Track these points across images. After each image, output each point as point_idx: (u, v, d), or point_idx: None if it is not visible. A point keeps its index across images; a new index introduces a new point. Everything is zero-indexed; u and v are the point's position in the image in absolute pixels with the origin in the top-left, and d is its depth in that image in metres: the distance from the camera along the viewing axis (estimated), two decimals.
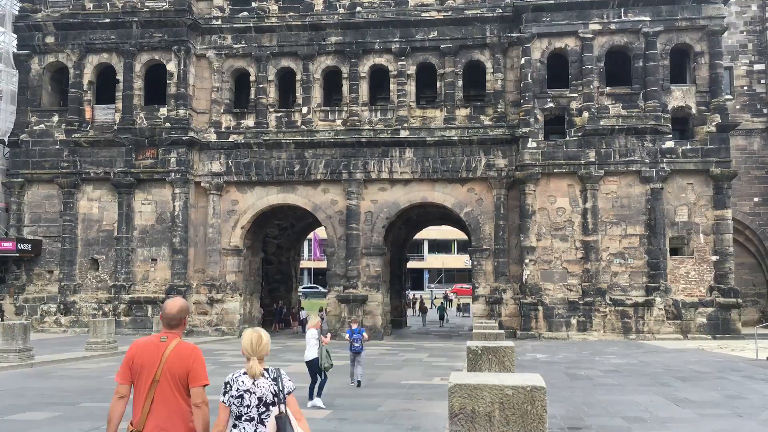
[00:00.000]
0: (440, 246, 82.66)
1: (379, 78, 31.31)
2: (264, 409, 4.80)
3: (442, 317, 42.59)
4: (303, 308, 40.57)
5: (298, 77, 31.03)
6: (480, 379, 4.67)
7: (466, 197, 29.76)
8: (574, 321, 27.66)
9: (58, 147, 30.61)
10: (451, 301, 61.07)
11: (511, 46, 29.78)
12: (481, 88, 30.86)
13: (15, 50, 31.64)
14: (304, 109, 30.77)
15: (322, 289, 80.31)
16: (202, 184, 30.62)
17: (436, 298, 61.82)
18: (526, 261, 28.12)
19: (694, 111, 28.23)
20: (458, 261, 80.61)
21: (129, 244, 30.04)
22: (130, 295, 29.62)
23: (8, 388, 14.66)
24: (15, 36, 31.79)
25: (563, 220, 28.39)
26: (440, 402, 12.14)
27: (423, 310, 45.70)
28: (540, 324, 27.71)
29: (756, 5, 34.33)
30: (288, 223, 37.46)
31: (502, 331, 16.04)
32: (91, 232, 30.48)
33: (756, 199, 33.45)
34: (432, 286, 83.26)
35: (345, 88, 30.79)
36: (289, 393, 4.91)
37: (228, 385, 4.93)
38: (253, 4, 31.25)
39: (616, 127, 28.04)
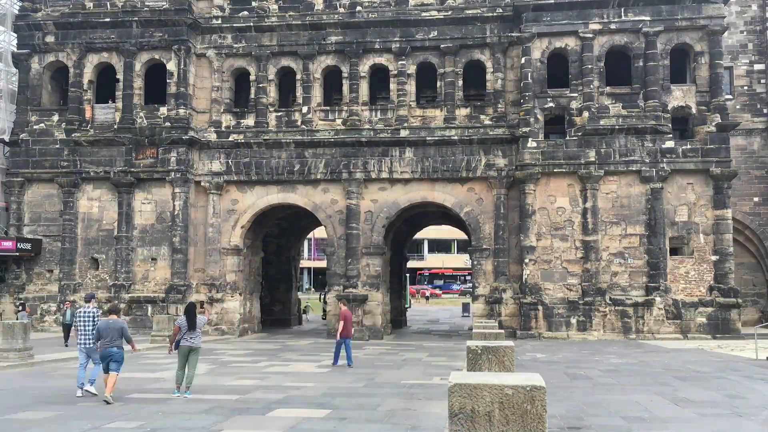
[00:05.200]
0: (440, 246, 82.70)
1: (379, 78, 31.30)
2: None
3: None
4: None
5: (298, 77, 31.03)
6: (480, 378, 4.67)
7: (466, 197, 29.77)
8: (573, 321, 27.67)
9: (58, 146, 30.62)
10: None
11: (511, 46, 29.78)
12: (481, 88, 30.85)
13: (15, 49, 31.65)
14: (304, 109, 30.77)
15: None
16: (202, 184, 30.62)
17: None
18: (526, 261, 28.12)
19: (694, 111, 28.23)
20: (458, 261, 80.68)
21: (129, 244, 30.05)
22: (130, 295, 29.63)
23: (8, 388, 14.66)
24: (15, 35, 31.79)
25: (563, 220, 28.39)
26: (440, 402, 12.15)
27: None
28: (540, 324, 27.71)
29: (756, 5, 34.31)
30: (288, 222, 37.46)
31: (502, 331, 16.03)
32: (91, 232, 30.49)
33: (756, 199, 33.45)
34: (432, 285, 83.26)
35: (345, 87, 30.79)
36: None
37: None
38: (254, 4, 31.24)
39: (616, 127, 28.04)
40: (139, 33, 30.56)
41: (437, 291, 78.43)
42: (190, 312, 13.85)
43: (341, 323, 19.22)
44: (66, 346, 23.67)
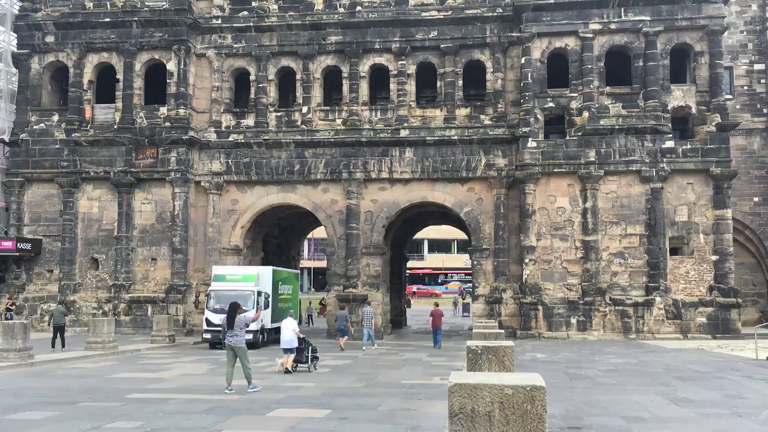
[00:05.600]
0: (440, 246, 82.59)
1: (379, 77, 31.30)
2: None
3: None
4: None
5: (298, 77, 31.03)
6: (480, 378, 4.66)
7: (466, 197, 29.76)
8: (573, 321, 27.67)
9: (58, 146, 30.62)
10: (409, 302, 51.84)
11: (512, 46, 29.78)
12: (481, 88, 30.86)
13: (15, 49, 31.65)
14: (304, 109, 30.77)
15: None
16: (202, 184, 30.63)
17: None
18: (526, 261, 28.12)
19: (694, 111, 28.23)
20: (458, 261, 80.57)
21: (129, 244, 30.04)
22: (130, 295, 29.63)
23: (8, 388, 14.64)
24: (15, 35, 31.78)
25: (563, 220, 28.39)
26: (440, 402, 12.14)
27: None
28: (540, 324, 27.71)
29: (756, 5, 34.29)
30: (288, 222, 37.45)
31: (502, 331, 16.00)
32: (91, 232, 30.49)
33: (756, 199, 33.43)
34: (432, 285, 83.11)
35: (345, 87, 30.80)
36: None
37: None
38: (253, 4, 31.24)
39: (616, 127, 28.03)
40: (139, 33, 30.55)
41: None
42: (229, 311, 14.58)
43: (431, 318, 26.40)
44: (55, 348, 22.07)
